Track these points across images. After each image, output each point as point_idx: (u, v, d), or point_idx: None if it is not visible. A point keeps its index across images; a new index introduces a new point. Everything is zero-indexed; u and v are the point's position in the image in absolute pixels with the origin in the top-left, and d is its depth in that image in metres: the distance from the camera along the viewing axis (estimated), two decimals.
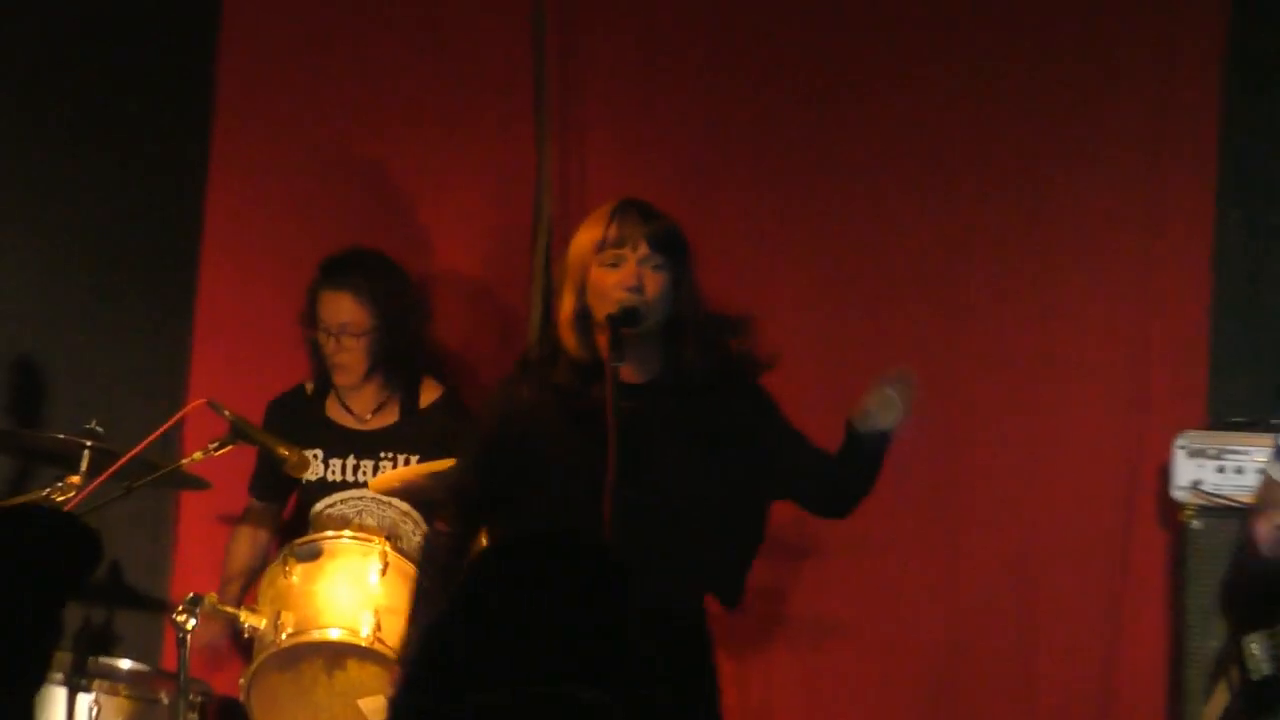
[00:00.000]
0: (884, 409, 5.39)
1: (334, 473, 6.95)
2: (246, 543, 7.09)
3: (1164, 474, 6.54)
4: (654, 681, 3.65)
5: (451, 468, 6.38)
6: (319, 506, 6.80)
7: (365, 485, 6.88)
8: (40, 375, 7.40)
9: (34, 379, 7.39)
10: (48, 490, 6.23)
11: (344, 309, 6.83)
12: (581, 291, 5.40)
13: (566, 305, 5.44)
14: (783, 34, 7.32)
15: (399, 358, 7.01)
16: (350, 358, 6.87)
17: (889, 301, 7.17)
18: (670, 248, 5.41)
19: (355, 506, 6.80)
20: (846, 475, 5.58)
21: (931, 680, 7.00)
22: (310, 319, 6.94)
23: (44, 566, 3.85)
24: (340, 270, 6.91)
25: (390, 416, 7.00)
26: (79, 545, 3.93)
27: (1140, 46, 7.07)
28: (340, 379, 6.95)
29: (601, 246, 5.39)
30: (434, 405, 7.00)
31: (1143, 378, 6.91)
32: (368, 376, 6.97)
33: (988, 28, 7.18)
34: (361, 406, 7.01)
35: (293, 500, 7.08)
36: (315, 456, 6.88)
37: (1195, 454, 6.44)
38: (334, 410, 7.03)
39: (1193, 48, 6.99)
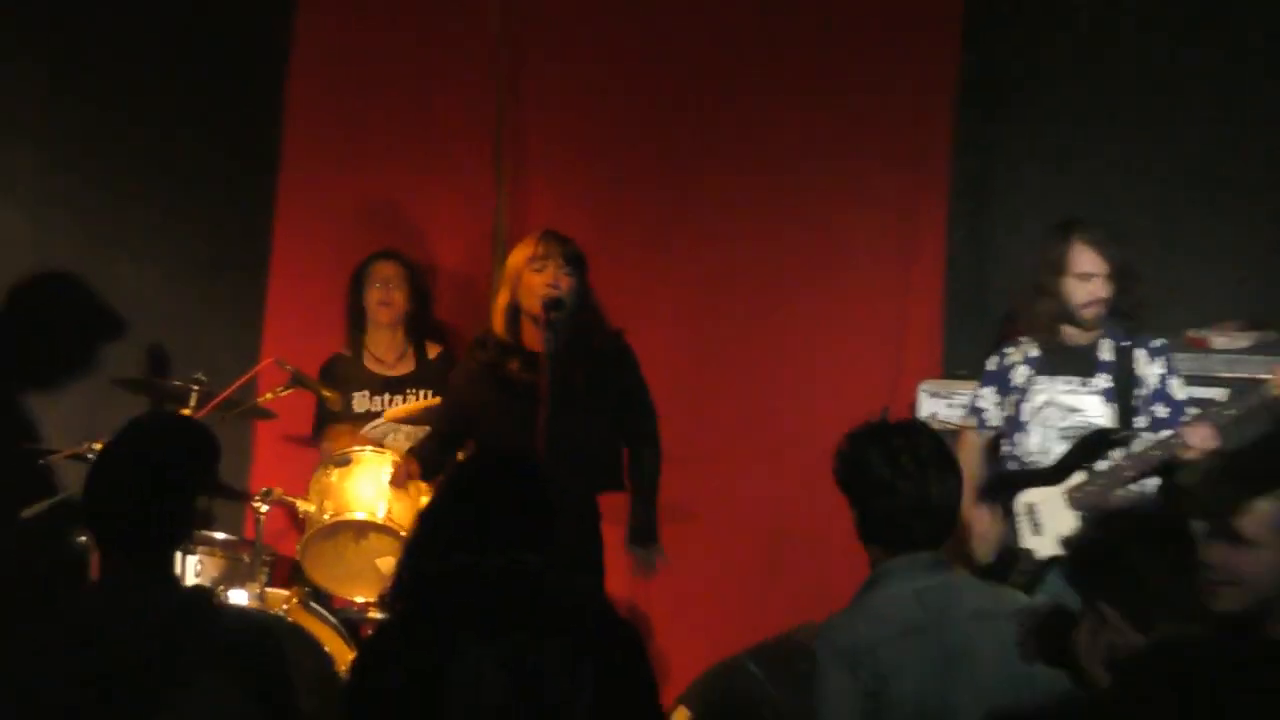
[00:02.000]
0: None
1: (376, 405, 7.48)
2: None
3: (913, 408, 7.00)
4: (566, 545, 4.27)
5: (433, 409, 7.05)
6: (366, 429, 7.23)
7: None
8: (163, 343, 7.84)
9: (159, 345, 7.83)
10: None
11: (391, 268, 7.54)
12: (514, 290, 6.17)
13: (501, 300, 6.25)
14: (663, 123, 7.83)
15: (418, 310, 7.64)
16: (398, 296, 7.52)
17: (727, 299, 7.70)
18: (576, 261, 6.18)
19: (387, 429, 7.22)
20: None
21: (762, 545, 7.51)
22: (359, 284, 7.56)
23: (191, 459, 4.36)
24: (384, 252, 7.59)
25: (409, 366, 7.59)
26: (209, 440, 4.43)
27: (896, 118, 7.50)
28: (385, 317, 7.53)
29: (533, 259, 6.13)
30: (438, 356, 7.62)
31: (898, 345, 7.42)
32: (401, 318, 7.57)
33: (794, 124, 7.64)
34: (390, 356, 7.58)
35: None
36: (364, 396, 7.49)
37: (933, 395, 6.97)
38: (370, 363, 7.57)
39: (930, 121, 7.43)
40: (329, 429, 7.56)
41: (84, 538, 6.49)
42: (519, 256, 6.22)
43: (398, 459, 6.83)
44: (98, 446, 6.24)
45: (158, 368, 7.76)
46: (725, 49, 7.82)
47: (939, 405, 6.96)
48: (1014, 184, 7.47)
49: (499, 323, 6.19)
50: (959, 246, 7.41)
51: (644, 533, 6.37)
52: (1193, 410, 6.18)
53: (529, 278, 6.13)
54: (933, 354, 7.34)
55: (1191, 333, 6.73)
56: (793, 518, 7.50)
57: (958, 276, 7.41)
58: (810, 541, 7.44)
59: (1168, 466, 6.13)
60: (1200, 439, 5.95)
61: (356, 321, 7.65)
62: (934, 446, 4.62)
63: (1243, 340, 6.57)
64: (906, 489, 4.50)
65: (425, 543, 4.24)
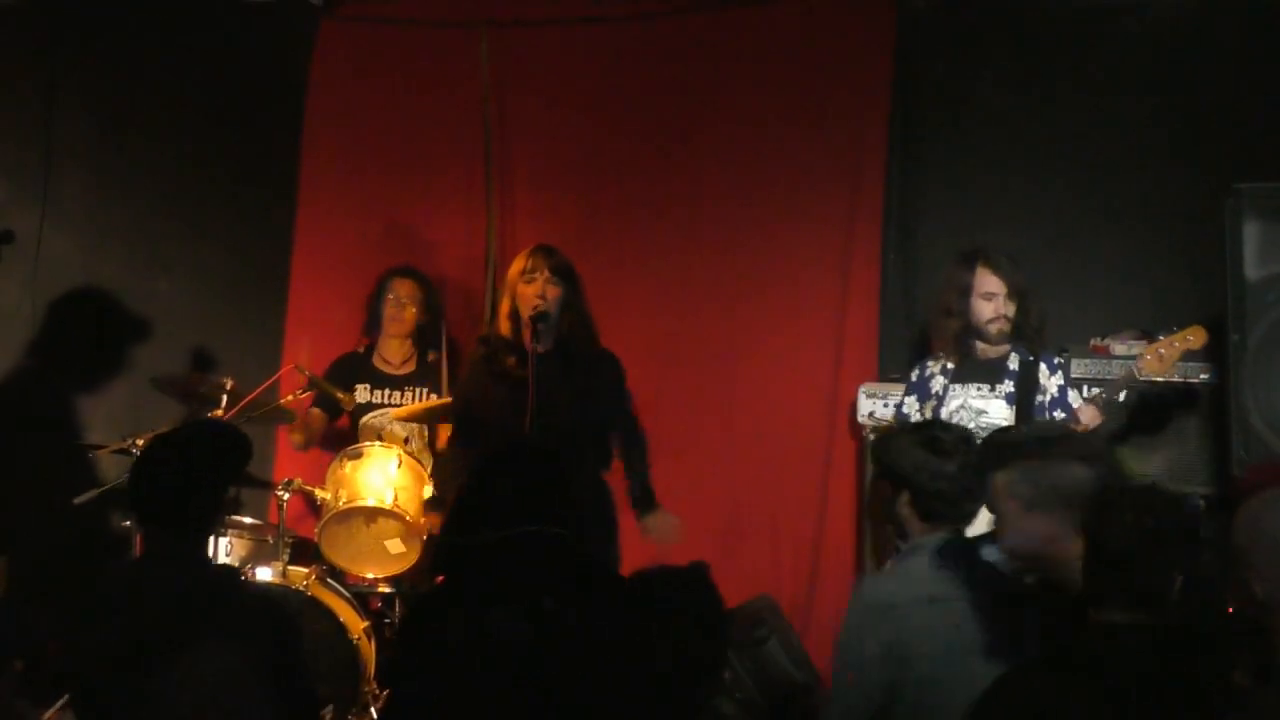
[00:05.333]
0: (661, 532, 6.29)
1: (377, 398, 7.48)
2: (302, 430, 7.50)
3: (853, 408, 7.09)
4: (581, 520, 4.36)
5: (435, 409, 7.02)
6: (366, 418, 7.33)
7: (395, 406, 7.36)
8: (199, 352, 7.81)
9: (193, 353, 7.79)
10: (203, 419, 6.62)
11: (407, 286, 7.53)
12: (513, 299, 6.17)
13: (504, 307, 6.22)
14: (629, 155, 7.85)
15: (427, 325, 7.59)
16: (409, 313, 7.50)
17: (687, 311, 7.68)
18: (562, 273, 6.18)
19: (387, 419, 7.25)
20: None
21: (720, 528, 7.47)
22: (379, 298, 7.54)
23: (225, 459, 4.50)
24: (404, 269, 7.58)
25: (411, 367, 7.57)
26: (242, 444, 4.57)
27: (838, 154, 7.50)
28: (395, 330, 7.52)
29: (524, 272, 6.16)
30: (436, 360, 7.59)
31: (838, 351, 7.42)
32: (410, 331, 7.54)
33: (747, 156, 7.66)
34: (395, 359, 7.56)
35: (345, 418, 7.48)
36: (366, 389, 7.45)
37: (870, 396, 7.01)
38: (378, 362, 7.55)
39: (867, 157, 7.45)
40: (298, 421, 7.56)
41: (128, 522, 6.57)
42: (514, 269, 6.24)
43: (402, 451, 6.89)
44: (140, 441, 6.32)
45: (192, 372, 7.67)
46: (684, 88, 7.87)
47: (875, 405, 7.03)
48: (938, 211, 7.53)
49: (504, 326, 6.21)
50: (891, 264, 7.49)
51: (643, 501, 6.35)
52: None
53: (522, 289, 6.16)
54: (869, 359, 7.35)
55: (1095, 341, 6.85)
56: (746, 504, 7.58)
57: (890, 291, 7.48)
58: (761, 525, 7.51)
59: None
60: (1089, 417, 6.12)
61: (373, 324, 7.65)
62: (970, 445, 4.77)
63: (1137, 348, 6.62)
64: (961, 476, 4.63)
65: (458, 521, 4.32)
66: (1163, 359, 6.13)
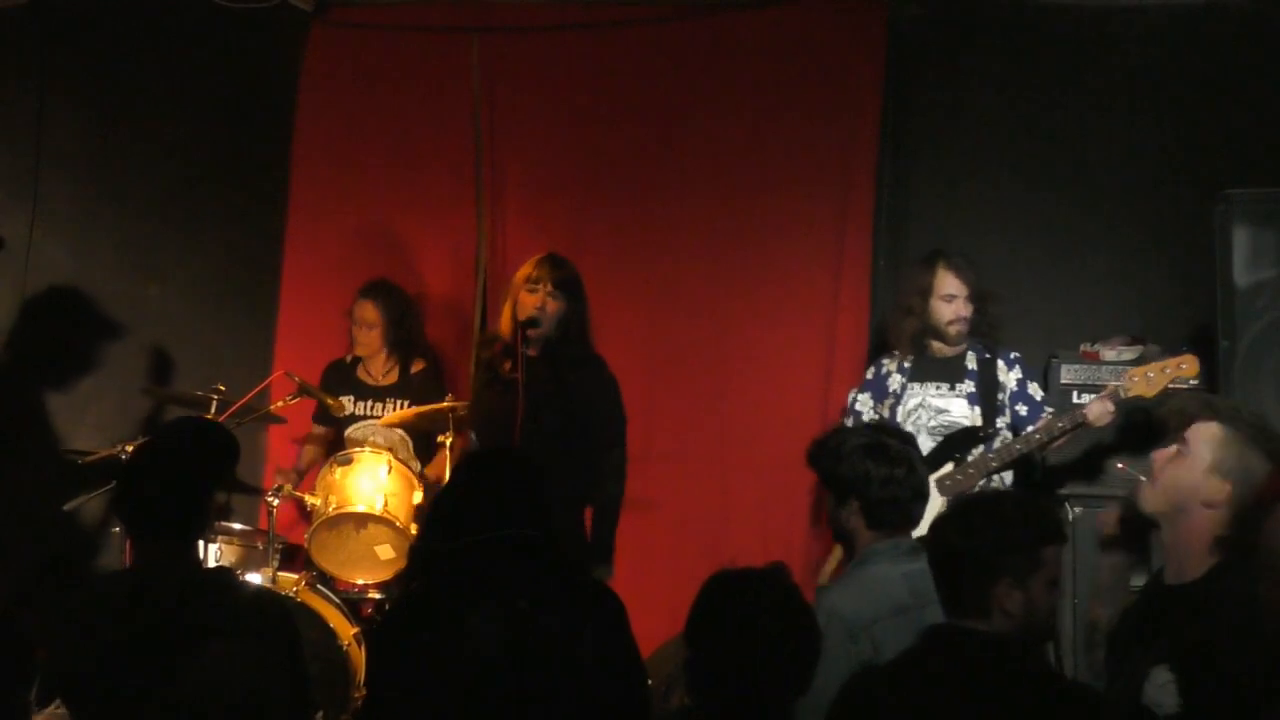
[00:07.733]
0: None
1: (360, 409, 7.49)
2: (311, 449, 7.64)
3: (843, 412, 6.96)
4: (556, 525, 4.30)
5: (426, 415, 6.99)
6: (350, 429, 7.25)
7: (379, 418, 7.29)
8: (189, 358, 7.87)
9: (186, 360, 7.86)
10: None
11: (368, 312, 7.47)
12: (515, 306, 6.24)
13: (506, 313, 6.30)
14: (620, 163, 7.81)
15: (399, 342, 7.52)
16: (368, 338, 7.48)
17: (677, 317, 7.66)
18: (566, 287, 6.26)
19: (371, 429, 7.16)
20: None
21: (710, 532, 7.40)
22: (351, 316, 7.53)
23: (209, 461, 4.42)
24: (369, 290, 7.51)
25: (394, 378, 7.55)
26: (228, 445, 4.49)
27: (829, 158, 7.50)
28: (360, 351, 7.54)
29: (528, 280, 6.24)
30: (420, 372, 7.58)
31: (829, 355, 7.41)
32: (379, 351, 7.51)
33: (739, 162, 7.63)
34: (377, 371, 7.57)
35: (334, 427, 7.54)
36: (349, 400, 7.47)
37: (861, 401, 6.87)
38: (361, 374, 7.57)
39: (858, 162, 7.46)
40: (310, 434, 7.66)
41: (118, 528, 6.58)
42: (521, 273, 6.31)
43: (392, 457, 6.90)
44: (129, 448, 6.33)
45: (182, 378, 7.74)
46: (674, 95, 7.85)
47: (865, 410, 6.93)
48: (928, 216, 7.54)
49: (505, 328, 6.27)
50: (881, 270, 7.47)
51: (599, 552, 6.24)
52: (1049, 408, 6.38)
53: (524, 296, 6.23)
54: (859, 364, 7.30)
55: (1085, 347, 6.89)
56: (737, 508, 7.56)
57: (880, 296, 7.43)
58: (751, 529, 7.48)
59: (1025, 458, 6.34)
60: (1099, 413, 6.17)
61: (352, 342, 7.69)
62: (914, 446, 4.73)
63: (1128, 354, 6.73)
64: (910, 480, 4.57)
65: (436, 526, 4.32)
66: (1150, 382, 6.18)
